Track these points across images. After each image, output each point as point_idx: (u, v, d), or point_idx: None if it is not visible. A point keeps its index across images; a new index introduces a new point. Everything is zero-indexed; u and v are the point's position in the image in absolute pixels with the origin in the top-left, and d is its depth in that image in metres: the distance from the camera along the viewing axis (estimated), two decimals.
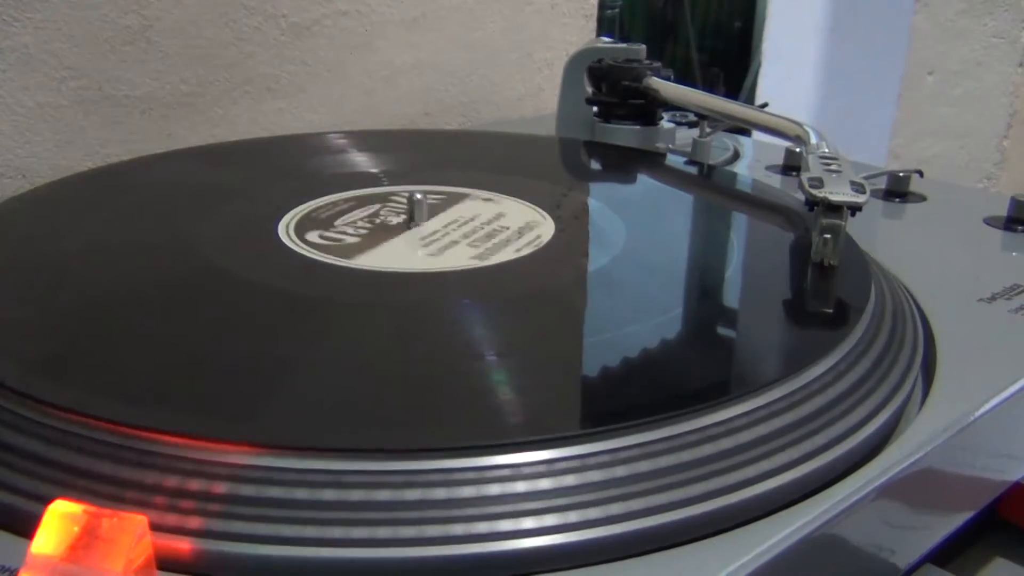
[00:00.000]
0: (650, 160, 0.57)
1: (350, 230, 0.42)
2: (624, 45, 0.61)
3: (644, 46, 0.61)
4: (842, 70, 1.16)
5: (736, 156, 0.61)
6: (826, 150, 0.44)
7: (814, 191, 0.39)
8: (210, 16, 0.58)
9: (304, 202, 0.44)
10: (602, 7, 0.83)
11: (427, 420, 0.28)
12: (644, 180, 0.55)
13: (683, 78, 0.60)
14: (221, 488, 0.24)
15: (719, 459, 0.27)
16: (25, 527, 0.22)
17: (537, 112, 0.77)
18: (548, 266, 0.39)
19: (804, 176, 0.40)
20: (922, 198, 0.54)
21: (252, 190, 0.47)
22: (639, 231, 0.44)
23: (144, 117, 0.57)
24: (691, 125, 0.62)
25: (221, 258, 0.38)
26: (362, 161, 0.54)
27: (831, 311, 0.37)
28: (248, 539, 0.24)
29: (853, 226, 0.40)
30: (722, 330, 0.36)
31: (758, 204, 0.50)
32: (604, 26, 1.01)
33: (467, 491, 0.25)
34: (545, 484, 0.25)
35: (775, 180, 0.56)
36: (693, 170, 0.55)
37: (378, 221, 0.43)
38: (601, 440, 0.26)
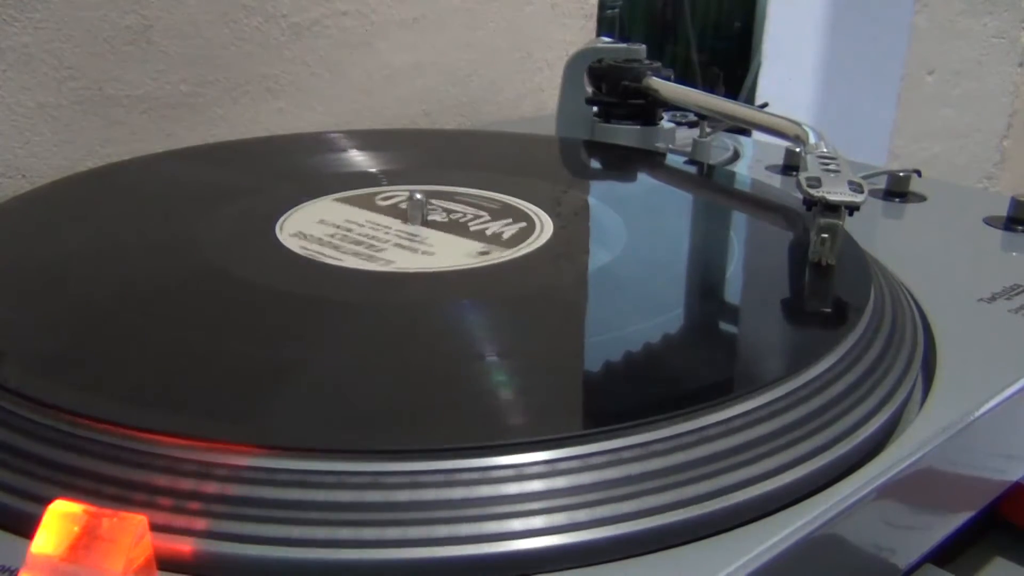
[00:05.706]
0: (650, 160, 0.57)
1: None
2: (624, 45, 0.61)
3: (644, 46, 0.61)
4: (842, 70, 1.16)
5: (736, 156, 0.61)
6: (825, 150, 0.44)
7: (812, 191, 0.39)
8: (210, 16, 0.58)
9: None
10: (602, 7, 0.83)
11: (427, 420, 0.28)
12: (644, 180, 0.55)
13: (683, 78, 0.60)
14: (221, 489, 0.24)
15: (719, 459, 0.27)
16: (25, 527, 0.22)
17: (537, 112, 0.77)
18: (548, 265, 0.39)
19: (802, 176, 0.40)
20: (922, 198, 0.54)
21: (252, 190, 0.47)
22: (639, 231, 0.44)
23: (144, 117, 0.57)
24: (691, 125, 0.62)
25: (221, 258, 0.38)
26: (362, 161, 0.54)
27: (831, 311, 0.37)
28: (248, 540, 0.24)
29: (853, 226, 0.40)
30: (721, 330, 0.36)
31: (758, 204, 0.50)
32: (604, 26, 1.01)
33: (467, 492, 0.25)
34: (545, 484, 0.25)
35: (775, 180, 0.56)
36: (693, 170, 0.55)
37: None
38: (600, 440, 0.26)
